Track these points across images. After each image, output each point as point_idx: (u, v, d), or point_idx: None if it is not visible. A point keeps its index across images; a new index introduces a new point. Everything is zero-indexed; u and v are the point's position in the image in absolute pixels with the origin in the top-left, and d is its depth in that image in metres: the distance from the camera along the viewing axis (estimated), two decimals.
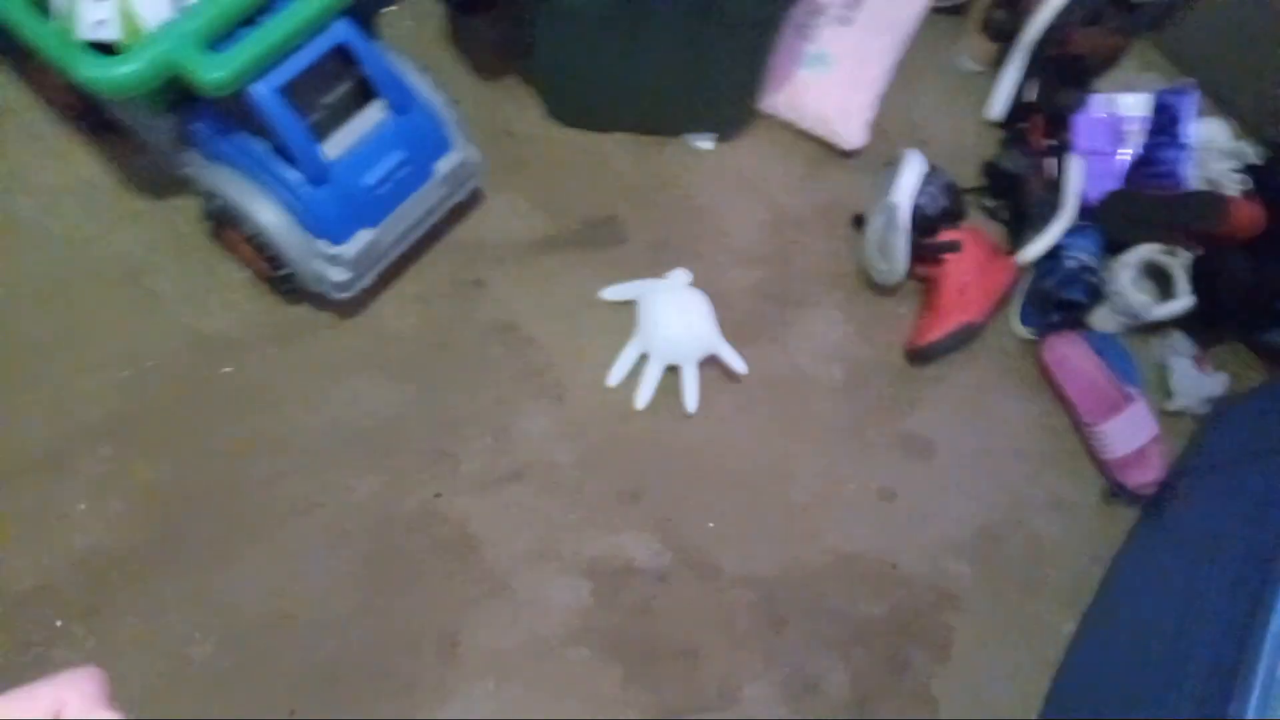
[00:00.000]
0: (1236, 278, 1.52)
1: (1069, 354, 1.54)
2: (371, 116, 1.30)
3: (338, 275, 1.32)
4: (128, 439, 1.35)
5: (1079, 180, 1.59)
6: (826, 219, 1.63)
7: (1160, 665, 1.21)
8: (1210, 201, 1.57)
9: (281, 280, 1.36)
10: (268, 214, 1.27)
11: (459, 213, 1.51)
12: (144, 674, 1.24)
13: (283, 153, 1.23)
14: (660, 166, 1.63)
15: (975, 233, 1.58)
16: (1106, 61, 1.74)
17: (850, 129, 1.63)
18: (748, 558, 1.41)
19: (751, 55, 1.49)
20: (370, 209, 1.31)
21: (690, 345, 1.46)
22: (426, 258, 1.50)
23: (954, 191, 1.59)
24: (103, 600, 1.27)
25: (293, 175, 1.24)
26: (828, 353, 1.55)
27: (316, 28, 1.18)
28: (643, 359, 1.47)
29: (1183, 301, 1.53)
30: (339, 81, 1.28)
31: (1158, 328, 1.60)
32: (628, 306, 1.50)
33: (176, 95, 1.19)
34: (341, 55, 1.24)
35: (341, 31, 1.21)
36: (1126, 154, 1.69)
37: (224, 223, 1.34)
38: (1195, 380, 1.56)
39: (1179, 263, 1.56)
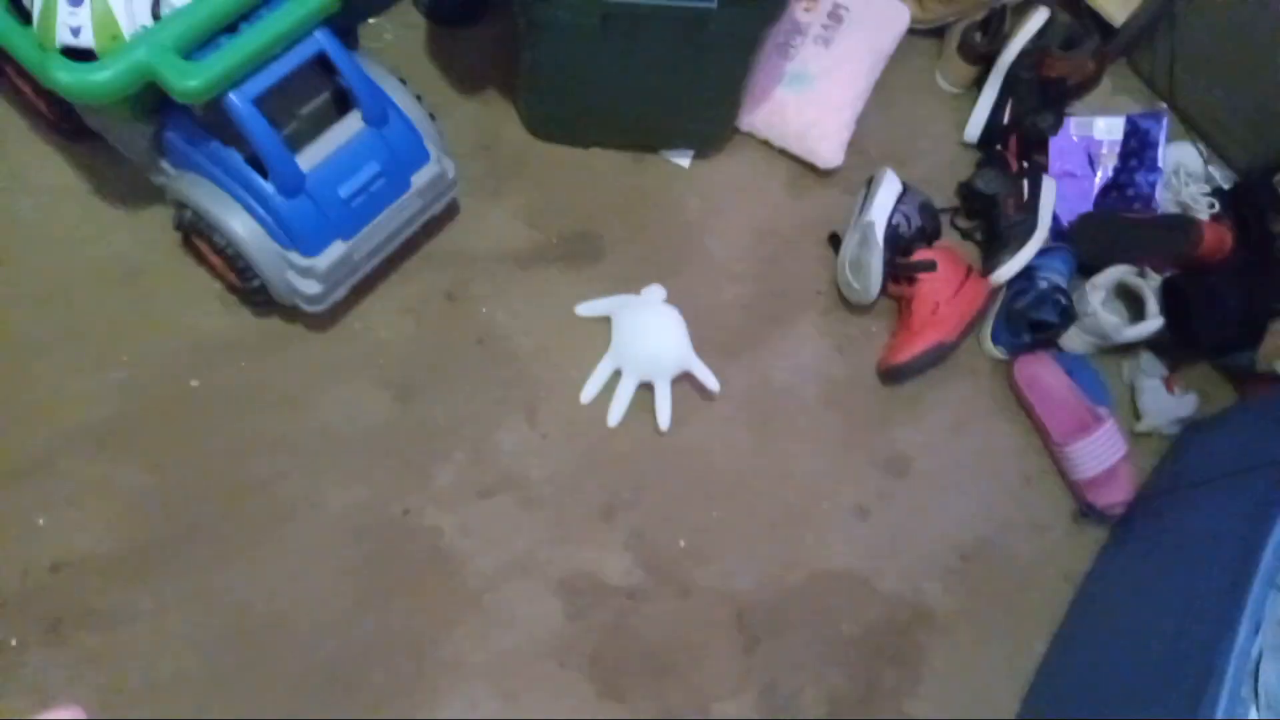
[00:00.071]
0: (1206, 300, 1.53)
1: (1040, 374, 1.55)
2: (349, 127, 1.29)
3: (309, 288, 1.31)
4: (123, 441, 1.34)
5: (1052, 202, 1.61)
6: (803, 237, 1.64)
7: (1159, 665, 1.21)
8: (1181, 225, 1.60)
9: (252, 292, 1.35)
10: (239, 225, 1.26)
11: (440, 225, 1.51)
12: (124, 677, 1.23)
13: (257, 163, 1.22)
14: (640, 182, 1.63)
15: (949, 252, 1.59)
16: (1082, 85, 1.76)
17: (828, 148, 1.64)
18: (721, 575, 1.40)
19: (732, 73, 1.49)
20: (345, 221, 1.30)
21: (664, 362, 1.45)
22: (409, 268, 1.50)
23: (929, 211, 1.61)
24: (93, 603, 1.26)
25: (266, 186, 1.23)
26: (803, 370, 1.55)
27: (295, 37, 1.18)
28: (617, 375, 1.47)
29: (1153, 323, 1.55)
30: (317, 92, 1.27)
31: (1128, 349, 1.62)
32: (607, 321, 1.50)
33: (152, 103, 1.18)
34: (320, 65, 1.23)
35: (320, 41, 1.20)
36: (1099, 177, 1.71)
37: (195, 233, 1.33)
38: (1164, 401, 1.57)
39: (1149, 285, 1.57)
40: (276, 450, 1.37)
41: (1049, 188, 1.62)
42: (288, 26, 1.15)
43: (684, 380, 1.48)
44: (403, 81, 1.38)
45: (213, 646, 1.27)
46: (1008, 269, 1.58)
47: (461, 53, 1.65)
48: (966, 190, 1.67)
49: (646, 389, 1.47)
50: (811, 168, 1.67)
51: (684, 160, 1.65)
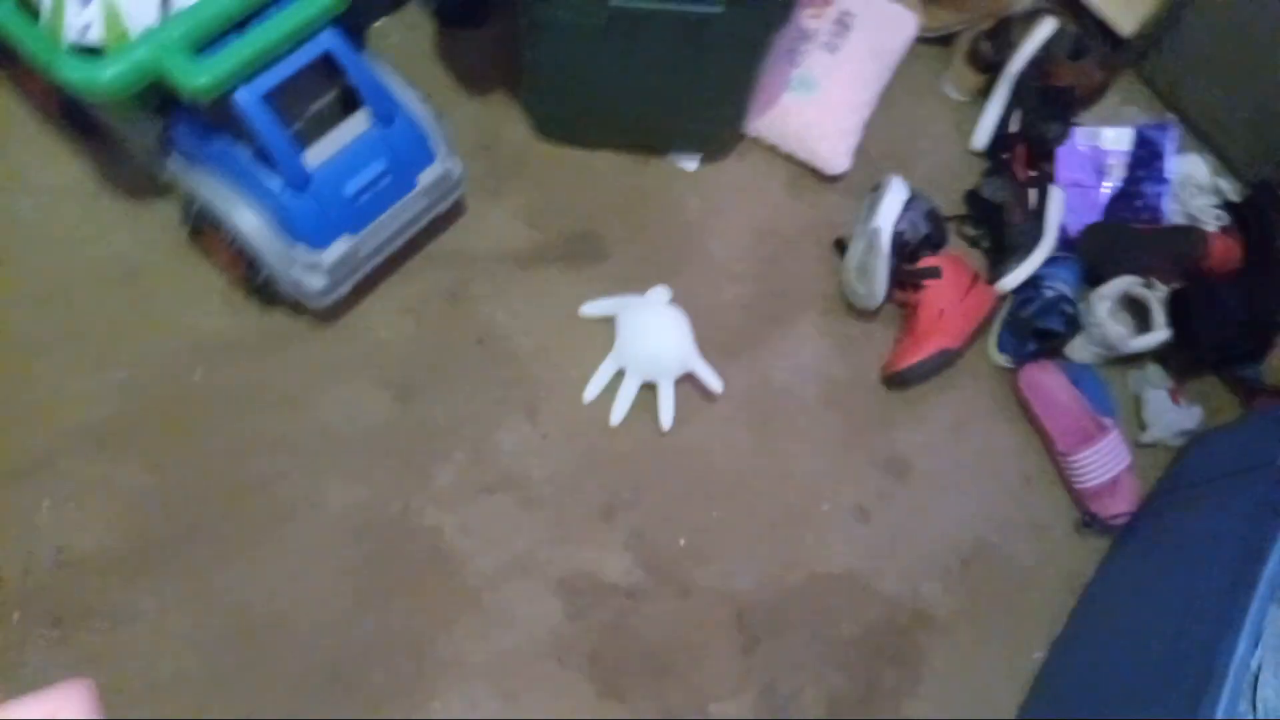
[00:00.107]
0: (1213, 312, 1.53)
1: (1045, 383, 1.55)
2: (355, 126, 1.30)
3: (315, 282, 1.32)
4: (123, 441, 1.35)
5: (1059, 211, 1.61)
6: (808, 241, 1.64)
7: (1159, 666, 1.21)
8: (1189, 236, 1.59)
9: (259, 287, 1.36)
10: (247, 219, 1.27)
11: (444, 224, 1.52)
12: (124, 677, 1.24)
13: (264, 159, 1.23)
14: (644, 184, 1.64)
15: (955, 260, 1.59)
16: (1091, 95, 1.76)
17: (833, 154, 1.64)
18: (721, 575, 1.41)
19: (738, 77, 1.50)
20: (350, 218, 1.32)
21: (667, 362, 1.46)
22: (410, 267, 1.51)
23: (936, 218, 1.61)
24: (93, 602, 1.27)
25: (274, 181, 1.24)
26: (806, 373, 1.55)
27: (303, 36, 1.19)
28: (620, 375, 1.47)
29: (1159, 334, 1.54)
30: (324, 90, 1.29)
31: (1134, 360, 1.61)
32: (608, 322, 1.51)
33: (160, 99, 1.19)
34: (328, 64, 1.24)
35: (328, 40, 1.21)
36: (1107, 187, 1.71)
37: (203, 227, 1.34)
38: (1170, 413, 1.57)
39: (1156, 296, 1.57)
40: (276, 450, 1.38)
41: (1056, 197, 1.62)
42: (295, 25, 1.16)
43: (685, 380, 1.49)
44: (410, 81, 1.39)
45: (213, 646, 1.27)
46: (1014, 277, 1.58)
47: (467, 53, 1.67)
48: (973, 198, 1.67)
49: (649, 389, 1.47)
50: (816, 172, 1.67)
51: (690, 164, 1.66)
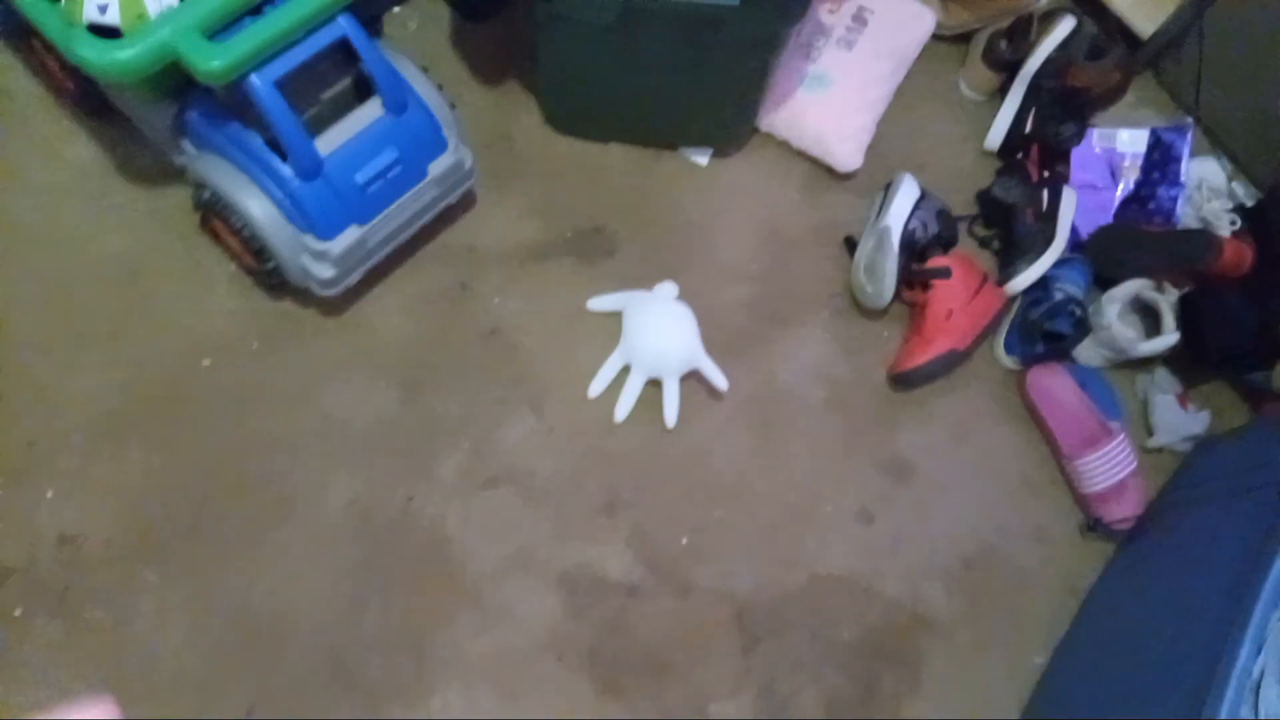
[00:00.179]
0: (1223, 317, 1.52)
1: (1052, 385, 1.54)
2: (368, 114, 1.30)
3: (323, 271, 1.32)
4: (124, 440, 1.35)
5: (1072, 213, 1.60)
6: (818, 239, 1.63)
7: (1160, 666, 1.21)
8: (1202, 240, 1.58)
9: (267, 274, 1.36)
10: (257, 206, 1.27)
11: (452, 216, 1.51)
12: (125, 677, 1.25)
13: (276, 146, 1.23)
14: (655, 179, 1.63)
15: (965, 260, 1.58)
16: (1107, 96, 1.75)
17: (846, 151, 1.63)
18: (722, 575, 1.40)
19: (751, 73, 1.49)
20: (360, 207, 1.31)
21: (673, 359, 1.46)
22: (418, 259, 1.51)
23: (946, 218, 1.60)
24: (93, 601, 1.27)
25: (284, 169, 1.24)
26: (812, 372, 1.55)
27: (319, 22, 1.19)
28: (625, 371, 1.47)
29: (1169, 338, 1.53)
30: (338, 77, 1.28)
31: (1142, 363, 1.60)
32: (615, 317, 1.50)
33: (175, 83, 1.19)
34: (342, 51, 1.24)
35: (343, 27, 1.21)
36: (1120, 189, 1.70)
37: (213, 213, 1.34)
38: (1177, 417, 1.56)
39: (1167, 300, 1.56)
40: (279, 446, 1.38)
41: (1069, 198, 1.61)
42: (311, 11, 1.16)
43: (690, 378, 1.48)
44: (424, 70, 1.38)
45: (213, 644, 1.28)
46: (1024, 278, 1.57)
47: (483, 44, 1.66)
48: (985, 198, 1.66)
49: (654, 385, 1.47)
50: (828, 170, 1.66)
51: (702, 159, 1.65)
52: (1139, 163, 1.71)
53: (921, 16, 1.72)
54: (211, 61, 1.10)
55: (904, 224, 1.55)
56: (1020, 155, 1.67)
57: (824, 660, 1.38)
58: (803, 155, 1.67)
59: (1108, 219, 1.68)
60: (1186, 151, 1.68)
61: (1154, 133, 1.71)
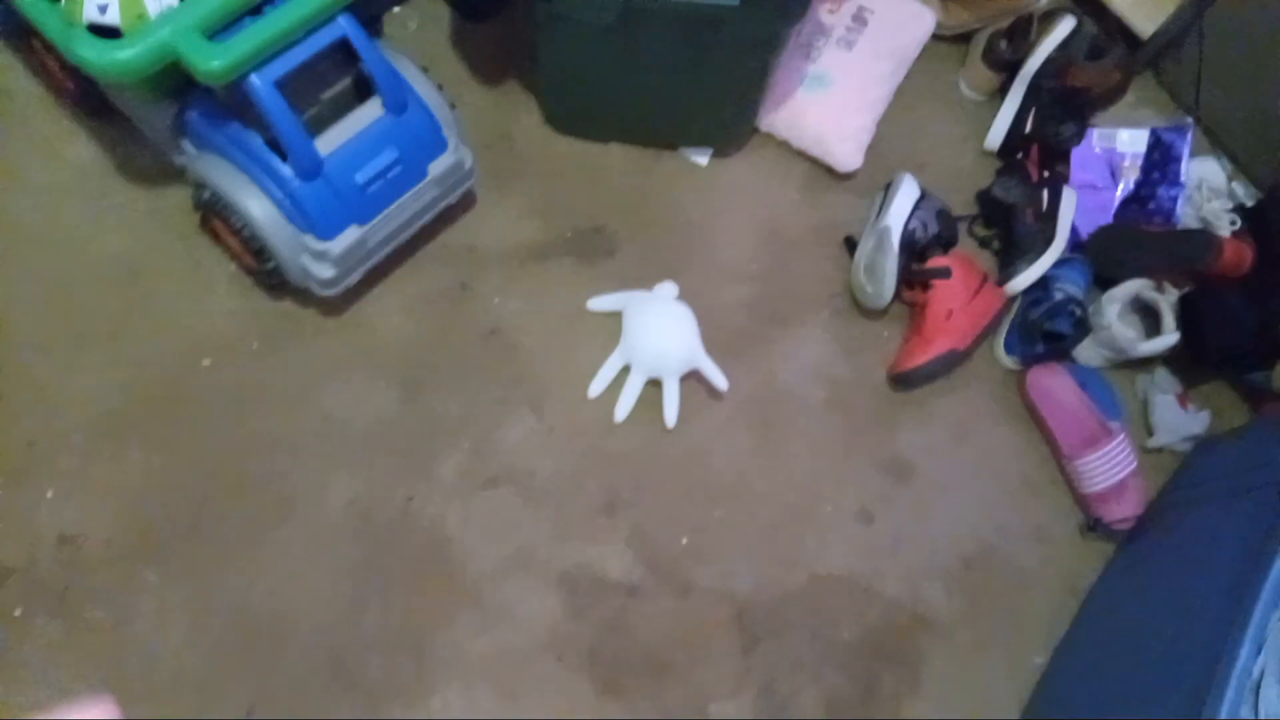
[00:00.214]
0: (1223, 317, 1.52)
1: (1052, 385, 1.54)
2: (368, 114, 1.30)
3: (323, 271, 1.32)
4: (125, 440, 1.35)
5: (1072, 213, 1.60)
6: (818, 239, 1.63)
7: (1160, 666, 1.21)
8: (1202, 240, 1.58)
9: (267, 274, 1.36)
10: (257, 206, 1.27)
11: (452, 215, 1.51)
12: (125, 677, 1.25)
13: (276, 146, 1.23)
14: (655, 179, 1.63)
15: (965, 260, 1.58)
16: (1107, 96, 1.75)
17: (846, 151, 1.63)
18: (722, 575, 1.40)
19: (752, 73, 1.49)
20: (360, 207, 1.31)
21: (673, 359, 1.45)
22: (418, 259, 1.51)
23: (946, 217, 1.60)
24: (93, 601, 1.27)
25: (284, 169, 1.24)
26: (812, 372, 1.55)
27: (318, 22, 1.19)
28: (625, 371, 1.47)
29: (1169, 338, 1.53)
30: (338, 77, 1.28)
31: (1142, 363, 1.60)
32: (615, 317, 1.50)
33: (175, 83, 1.19)
34: (342, 51, 1.24)
35: (343, 27, 1.21)
36: (1120, 189, 1.70)
37: (213, 214, 1.34)
38: (1177, 418, 1.56)
39: (1167, 300, 1.56)
40: (278, 446, 1.38)
41: (1069, 198, 1.61)
42: (311, 11, 1.16)
43: (690, 378, 1.48)
44: (424, 70, 1.38)
45: (213, 644, 1.27)
46: (1024, 278, 1.57)
47: (483, 44, 1.66)
48: (985, 198, 1.66)
49: (654, 386, 1.47)
50: (828, 170, 1.66)
51: (702, 159, 1.65)
52: (1139, 163, 1.71)
53: (921, 16, 1.72)
54: (211, 61, 1.10)
55: (904, 224, 1.55)
56: (1020, 155, 1.67)
57: (824, 660, 1.38)
58: (802, 155, 1.67)
59: (1108, 219, 1.68)
60: (1186, 151, 1.68)
61: (1154, 133, 1.71)
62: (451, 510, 1.38)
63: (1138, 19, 1.70)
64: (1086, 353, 1.60)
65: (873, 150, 1.66)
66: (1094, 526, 1.49)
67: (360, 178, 1.29)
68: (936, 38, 1.75)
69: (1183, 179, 1.67)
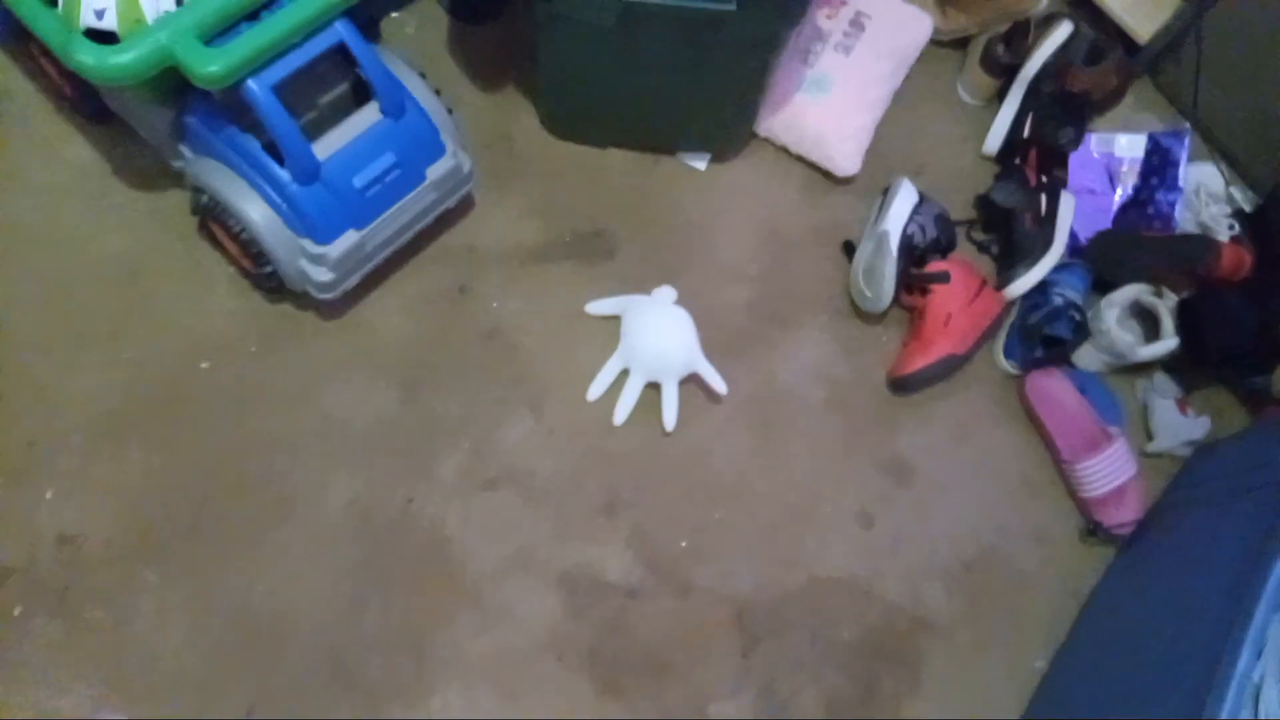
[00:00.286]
0: (1223, 321, 1.52)
1: (1051, 390, 1.54)
2: (365, 118, 1.30)
3: (321, 275, 1.32)
4: (126, 437, 1.35)
5: (1070, 217, 1.60)
6: (817, 243, 1.63)
7: (1160, 666, 1.21)
8: (1200, 245, 1.59)
9: (265, 278, 1.36)
10: (255, 210, 1.27)
11: (451, 218, 1.52)
12: (124, 677, 1.24)
13: (274, 150, 1.23)
14: (655, 180, 1.64)
15: (964, 264, 1.58)
16: (1105, 101, 1.75)
17: (845, 155, 1.64)
18: (722, 575, 1.40)
19: (750, 77, 1.49)
20: (358, 211, 1.31)
21: (672, 363, 1.46)
22: (418, 260, 1.51)
23: (944, 222, 1.60)
24: (93, 602, 1.27)
25: (282, 173, 1.24)
26: (811, 375, 1.55)
27: (316, 27, 1.19)
28: (624, 374, 1.47)
29: (1168, 343, 1.54)
30: (335, 82, 1.29)
31: (1142, 368, 1.61)
32: (614, 320, 1.50)
33: (172, 88, 1.19)
34: (340, 55, 1.24)
35: (340, 32, 1.21)
36: (1119, 194, 1.70)
37: (212, 217, 1.34)
38: (1177, 423, 1.56)
39: (1166, 304, 1.56)
40: (278, 446, 1.38)
41: (1067, 203, 1.61)
42: (309, 16, 1.16)
43: (689, 381, 1.49)
44: (422, 75, 1.39)
45: (213, 644, 1.27)
46: (1023, 283, 1.57)
47: (482, 48, 1.67)
48: (984, 202, 1.67)
49: (653, 388, 1.47)
50: (827, 174, 1.67)
51: (700, 163, 1.65)
52: (1137, 167, 1.71)
53: (919, 21, 1.72)
54: (209, 66, 1.11)
55: (902, 228, 1.55)
56: (1018, 160, 1.67)
57: (824, 660, 1.38)
58: (800, 159, 1.67)
59: (1106, 224, 1.69)
60: (1184, 156, 1.69)
61: (1151, 138, 1.71)
62: (451, 510, 1.38)
63: (1135, 23, 1.71)
64: (1086, 357, 1.60)
65: (872, 152, 1.67)
66: (1094, 531, 1.49)
67: (358, 182, 1.29)
68: (935, 42, 1.75)
69: (1181, 184, 1.68)
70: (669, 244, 1.59)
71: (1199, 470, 1.52)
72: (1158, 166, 1.70)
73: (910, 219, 1.56)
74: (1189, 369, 1.59)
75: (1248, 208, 1.68)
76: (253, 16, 1.16)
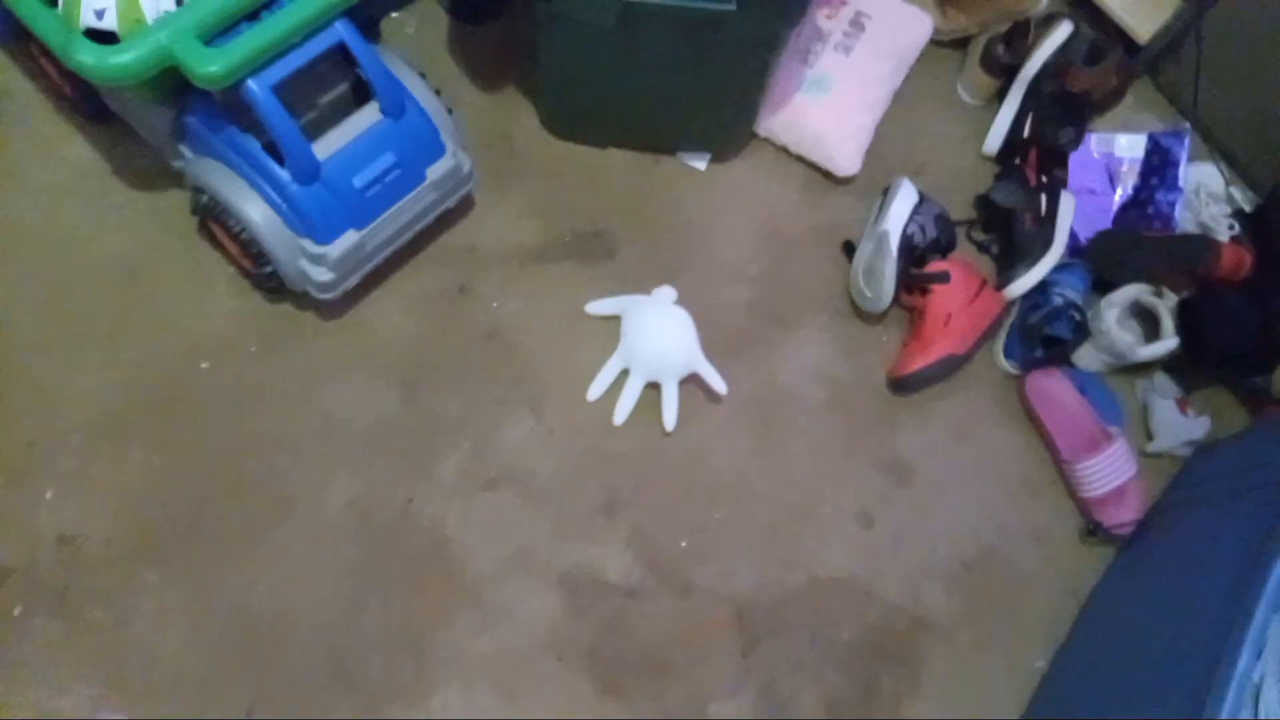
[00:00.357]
0: (1223, 322, 1.52)
1: (1051, 390, 1.54)
2: (365, 118, 1.30)
3: (321, 275, 1.32)
4: (126, 436, 1.35)
5: (1070, 217, 1.60)
6: (817, 243, 1.63)
7: (1160, 666, 1.21)
8: (1200, 245, 1.59)
9: (265, 278, 1.36)
10: (255, 210, 1.27)
11: (451, 218, 1.52)
12: (124, 677, 1.24)
13: (274, 150, 1.23)
14: (655, 179, 1.64)
15: (964, 264, 1.58)
16: (1105, 101, 1.75)
17: (844, 155, 1.64)
18: (722, 575, 1.40)
19: (749, 77, 1.49)
20: (358, 211, 1.31)
21: (672, 363, 1.46)
22: (418, 260, 1.51)
23: (944, 222, 1.60)
24: (93, 602, 1.27)
25: (282, 173, 1.24)
26: (811, 375, 1.55)
27: (316, 27, 1.19)
28: (624, 374, 1.47)
29: (1168, 343, 1.54)
30: (336, 82, 1.29)
31: (1142, 368, 1.61)
32: (614, 320, 1.50)
33: (172, 88, 1.19)
34: (340, 55, 1.24)
35: (340, 32, 1.21)
36: (1119, 194, 1.70)
37: (212, 217, 1.34)
38: (1177, 423, 1.56)
39: (1166, 304, 1.56)
40: (278, 446, 1.38)
41: (1067, 203, 1.61)
42: (309, 16, 1.16)
43: (689, 381, 1.49)
44: (422, 75, 1.39)
45: (213, 644, 1.27)
46: (1023, 283, 1.57)
47: (482, 48, 1.67)
48: (984, 203, 1.67)
49: (653, 388, 1.47)
50: (827, 174, 1.67)
51: (700, 163, 1.65)
52: (1137, 167, 1.71)
53: (919, 21, 1.72)
54: (209, 66, 1.11)
55: (902, 228, 1.55)
56: (1018, 160, 1.67)
57: (824, 660, 1.38)
58: (800, 159, 1.67)
59: (1106, 224, 1.69)
60: (1184, 156, 1.69)
61: (1151, 138, 1.71)
62: (451, 510, 1.38)
63: (1135, 23, 1.71)
64: (1086, 358, 1.60)
65: (872, 151, 1.67)
66: (1094, 531, 1.49)
67: (358, 182, 1.29)
68: (935, 42, 1.75)
69: (1181, 184, 1.68)
70: (669, 244, 1.59)
71: (1199, 470, 1.52)
72: (1158, 166, 1.70)
73: (910, 219, 1.56)
74: (1189, 369, 1.59)
75: (1248, 208, 1.68)
76: (253, 16, 1.16)
